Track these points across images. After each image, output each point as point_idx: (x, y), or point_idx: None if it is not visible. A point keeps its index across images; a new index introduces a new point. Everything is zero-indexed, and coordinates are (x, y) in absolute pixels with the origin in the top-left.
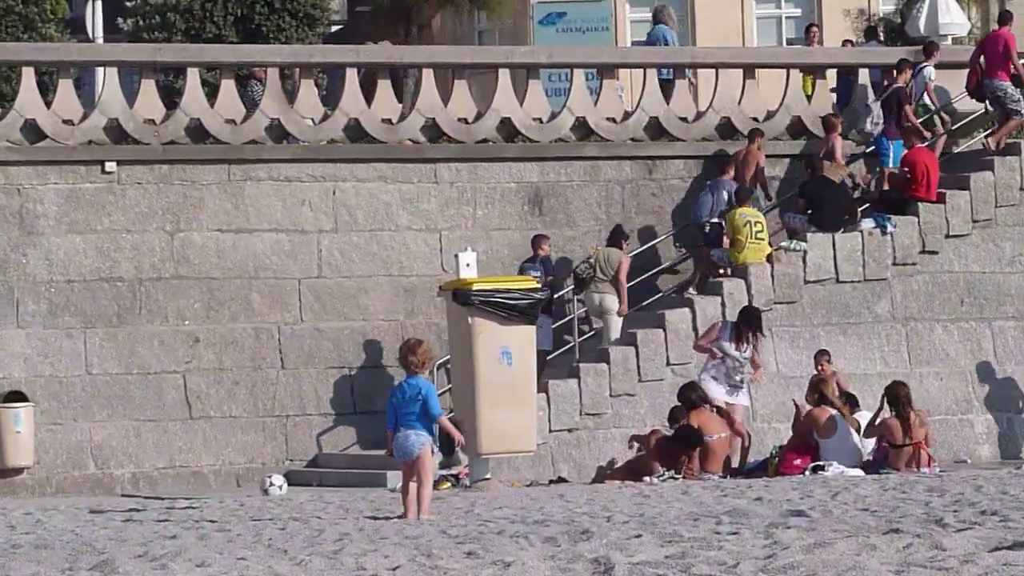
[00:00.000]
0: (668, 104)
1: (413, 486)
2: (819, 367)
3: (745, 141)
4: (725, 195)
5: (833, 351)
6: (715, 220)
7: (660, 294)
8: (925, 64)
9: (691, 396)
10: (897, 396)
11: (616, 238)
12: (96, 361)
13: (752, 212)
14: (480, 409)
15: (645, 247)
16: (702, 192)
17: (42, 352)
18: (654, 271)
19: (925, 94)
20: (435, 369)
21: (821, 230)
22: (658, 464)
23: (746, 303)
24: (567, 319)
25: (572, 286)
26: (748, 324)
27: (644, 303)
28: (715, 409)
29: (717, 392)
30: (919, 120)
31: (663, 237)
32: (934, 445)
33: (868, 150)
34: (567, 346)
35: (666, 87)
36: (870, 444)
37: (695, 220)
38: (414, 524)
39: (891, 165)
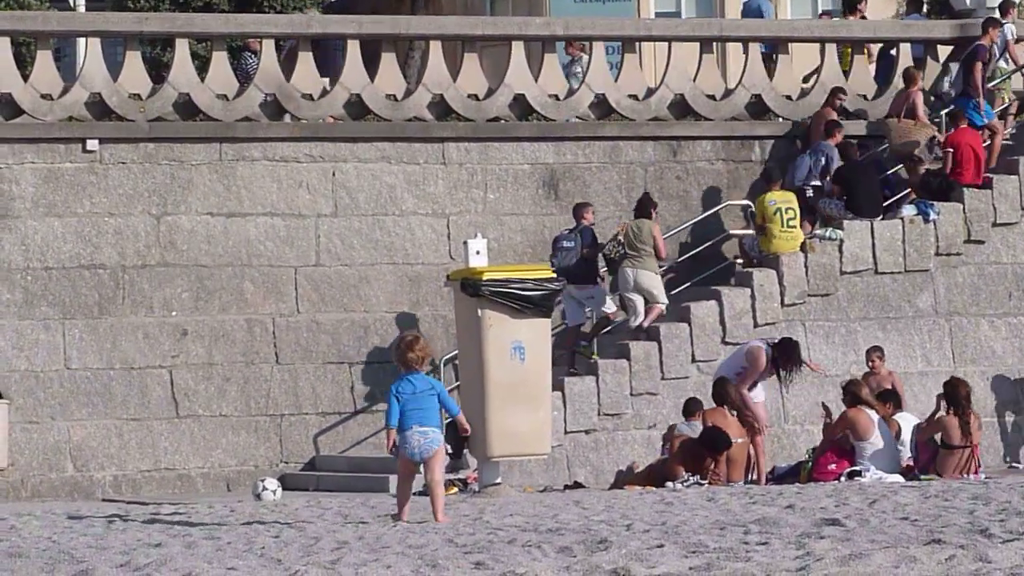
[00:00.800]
0: (694, 79)
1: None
2: (871, 363)
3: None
4: (823, 160)
5: (870, 347)
6: (816, 183)
7: (725, 262)
8: (1004, 22)
9: (722, 392)
10: (957, 395)
11: (644, 208)
12: (75, 355)
13: (783, 197)
14: (490, 409)
15: (706, 214)
16: (800, 155)
17: (17, 345)
18: (712, 242)
19: (1006, 54)
20: (442, 365)
21: (859, 217)
22: (682, 468)
23: (777, 295)
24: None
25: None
26: (787, 357)
27: (705, 273)
28: (735, 413)
29: None
30: (993, 83)
31: (724, 205)
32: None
33: (945, 112)
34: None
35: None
36: (907, 449)
37: (790, 185)
38: (418, 531)
39: (982, 122)
